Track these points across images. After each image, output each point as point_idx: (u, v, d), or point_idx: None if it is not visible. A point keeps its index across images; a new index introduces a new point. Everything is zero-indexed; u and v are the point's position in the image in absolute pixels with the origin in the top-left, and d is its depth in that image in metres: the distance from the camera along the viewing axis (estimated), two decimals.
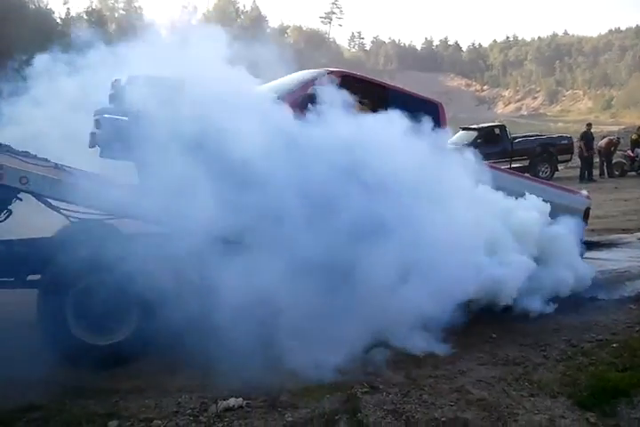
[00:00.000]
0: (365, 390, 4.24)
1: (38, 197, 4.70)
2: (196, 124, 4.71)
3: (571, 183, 10.21)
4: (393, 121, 5.16)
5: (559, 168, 19.84)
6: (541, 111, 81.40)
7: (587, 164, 19.34)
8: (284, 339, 4.39)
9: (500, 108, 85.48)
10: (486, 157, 5.83)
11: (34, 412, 3.94)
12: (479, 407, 4.05)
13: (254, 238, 4.69)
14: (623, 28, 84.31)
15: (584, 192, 7.40)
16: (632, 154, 19.89)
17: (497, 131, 18.60)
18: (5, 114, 5.65)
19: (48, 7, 32.21)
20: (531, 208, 5.90)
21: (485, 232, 5.42)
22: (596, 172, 20.06)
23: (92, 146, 5.09)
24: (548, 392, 4.27)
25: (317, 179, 4.75)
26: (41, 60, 5.83)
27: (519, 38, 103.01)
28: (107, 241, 4.68)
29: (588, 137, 19.68)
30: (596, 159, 20.23)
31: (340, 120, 5.05)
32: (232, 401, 4.06)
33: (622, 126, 28.78)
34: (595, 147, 19.89)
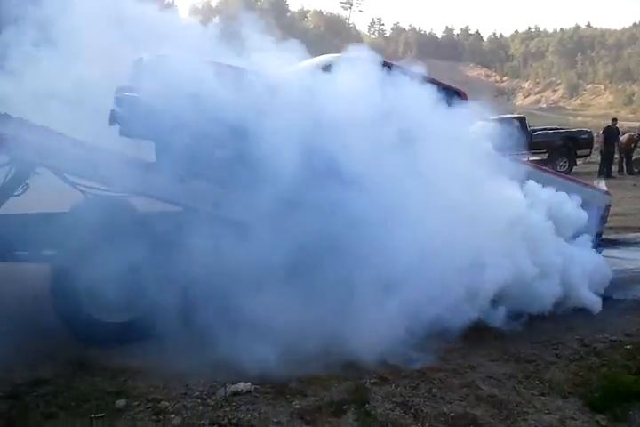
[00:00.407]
0: (374, 380, 4.22)
1: (57, 171, 4.68)
2: (216, 106, 4.66)
3: (589, 179, 10.03)
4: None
5: (577, 163, 19.63)
6: (561, 104, 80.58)
7: (606, 159, 19.12)
8: (295, 325, 4.35)
9: (519, 100, 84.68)
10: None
11: (42, 386, 3.95)
12: (489, 404, 4.02)
13: (264, 221, 4.66)
14: None
15: (604, 188, 7.29)
16: None
17: (516, 122, 18.40)
18: None
19: None
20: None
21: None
22: (614, 168, 19.83)
23: (111, 124, 5.04)
24: (558, 392, 4.23)
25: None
26: None
27: (541, 29, 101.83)
28: (121, 218, 4.69)
29: (612, 132, 19.40)
30: (616, 155, 19.97)
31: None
32: (240, 385, 4.05)
33: None
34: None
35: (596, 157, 20.58)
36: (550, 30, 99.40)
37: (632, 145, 19.79)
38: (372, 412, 3.83)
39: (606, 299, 6.19)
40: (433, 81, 5.77)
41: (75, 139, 5.04)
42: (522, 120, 18.54)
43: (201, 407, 3.83)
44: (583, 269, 5.83)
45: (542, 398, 4.15)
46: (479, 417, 3.85)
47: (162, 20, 5.48)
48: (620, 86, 78.47)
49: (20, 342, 4.25)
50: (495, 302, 5.15)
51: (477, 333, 5.01)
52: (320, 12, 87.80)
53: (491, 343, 5.01)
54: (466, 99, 6.38)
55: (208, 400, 3.91)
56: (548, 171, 6.85)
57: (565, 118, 56.41)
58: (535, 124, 23.29)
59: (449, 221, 4.84)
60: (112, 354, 4.39)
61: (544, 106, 78.97)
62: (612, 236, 9.30)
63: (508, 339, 5.10)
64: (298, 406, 3.87)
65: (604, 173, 18.97)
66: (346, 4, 67.67)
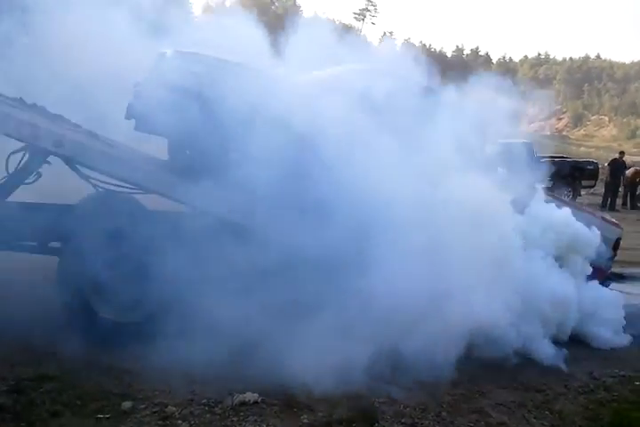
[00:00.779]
0: (384, 400, 4.16)
1: (69, 162, 4.60)
2: (236, 106, 4.62)
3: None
4: None
5: (581, 193, 19.64)
6: (565, 133, 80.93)
7: (611, 192, 19.13)
8: (307, 338, 4.29)
9: (523, 126, 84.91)
10: None
11: (48, 382, 3.88)
12: None
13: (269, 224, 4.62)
14: None
15: (614, 220, 7.25)
16: None
17: (523, 148, 18.37)
18: None
19: None
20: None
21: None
22: (619, 201, 19.84)
23: (128, 117, 4.99)
24: (569, 424, 4.18)
25: None
26: None
27: (551, 57, 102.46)
28: (128, 215, 4.62)
29: (618, 165, 19.44)
30: (620, 189, 20.00)
31: None
32: (248, 395, 3.98)
33: None
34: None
35: (600, 188, 20.61)
36: (560, 58, 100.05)
37: (637, 179, 19.82)
38: None
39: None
40: None
41: (89, 130, 5.01)
42: (529, 146, 18.52)
43: (208, 415, 3.77)
44: (593, 306, 5.79)
45: None
46: None
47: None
48: (624, 120, 78.91)
49: (24, 336, 4.19)
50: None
51: (486, 358, 4.95)
52: (333, 21, 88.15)
53: (499, 370, 4.94)
54: None
55: (215, 409, 3.85)
56: (564, 200, 6.83)
57: (569, 148, 56.59)
58: (539, 151, 23.29)
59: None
60: (116, 353, 4.32)
61: (548, 133, 79.27)
62: (618, 270, 9.25)
63: (517, 366, 5.02)
64: (306, 421, 3.81)
65: (608, 205, 18.99)
66: (359, 15, 68.06)
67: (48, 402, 3.68)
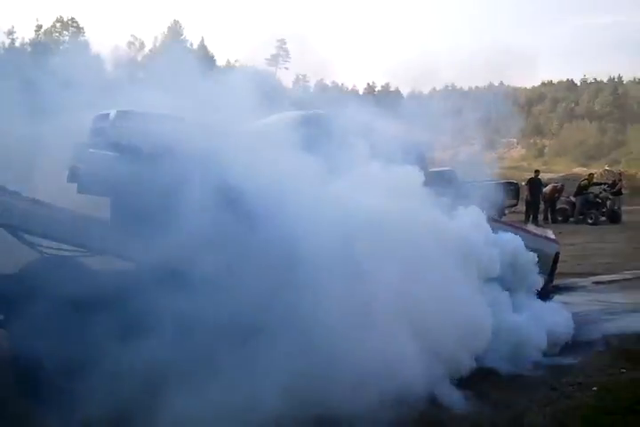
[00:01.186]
0: None
1: (14, 230, 4.49)
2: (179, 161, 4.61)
3: None
4: None
5: (505, 212, 20.34)
6: (477, 158, 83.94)
7: (532, 208, 19.97)
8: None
9: (438, 154, 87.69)
10: None
11: None
12: None
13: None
14: (555, 81, 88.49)
15: (552, 236, 7.56)
16: (573, 199, 20.70)
17: (447, 175, 18.98)
18: None
19: None
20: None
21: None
22: (540, 217, 20.70)
23: (71, 180, 4.92)
24: None
25: None
26: None
27: (457, 87, 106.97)
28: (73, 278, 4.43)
29: (535, 183, 20.37)
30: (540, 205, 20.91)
31: None
32: None
33: (561, 174, 30.04)
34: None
35: (521, 206, 21.45)
36: (466, 88, 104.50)
37: (555, 195, 20.81)
38: None
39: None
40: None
41: (31, 197, 4.89)
42: (453, 173, 19.15)
43: None
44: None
45: None
46: None
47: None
48: (531, 140, 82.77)
49: None
50: None
51: None
52: (246, 68, 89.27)
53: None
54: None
55: None
56: (500, 221, 7.08)
57: (484, 170, 58.63)
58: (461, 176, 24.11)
59: None
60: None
61: (461, 159, 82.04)
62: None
63: (476, 383, 5.05)
64: None
65: (531, 220, 19.76)
66: (271, 60, 69.59)
67: None
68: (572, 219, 20.73)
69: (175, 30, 59.27)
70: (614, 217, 20.66)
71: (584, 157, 66.54)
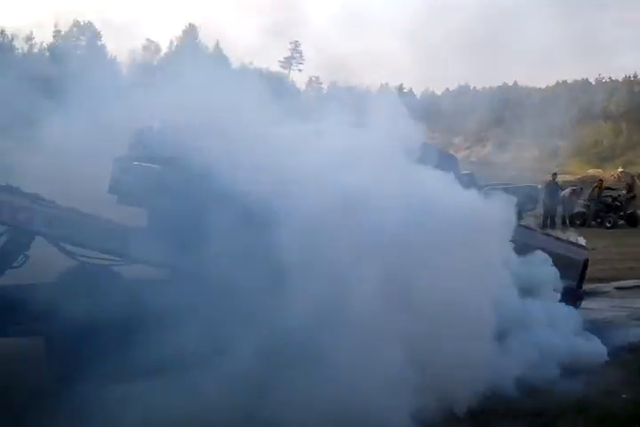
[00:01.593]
0: None
1: (55, 240, 4.64)
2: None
3: None
4: None
5: (523, 216, 20.35)
6: (490, 159, 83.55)
7: (550, 212, 19.97)
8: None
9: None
10: None
11: None
12: None
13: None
14: (570, 80, 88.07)
15: (582, 242, 7.63)
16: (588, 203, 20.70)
17: (466, 178, 18.98)
18: None
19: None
20: None
21: None
22: (558, 220, 20.69)
23: (113, 192, 5.06)
24: None
25: None
26: None
27: (471, 87, 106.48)
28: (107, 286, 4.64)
29: (553, 186, 20.37)
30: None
31: None
32: None
33: (577, 176, 29.90)
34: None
35: (539, 209, 21.46)
36: (479, 88, 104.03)
37: (574, 198, 20.80)
38: None
39: None
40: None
41: (68, 206, 5.03)
42: (472, 177, 19.18)
43: None
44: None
45: None
46: None
47: None
48: (545, 141, 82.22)
49: None
50: None
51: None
52: (260, 71, 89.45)
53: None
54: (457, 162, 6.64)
55: None
56: (532, 228, 7.16)
57: (496, 172, 58.39)
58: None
59: None
60: None
61: (475, 160, 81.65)
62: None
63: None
64: None
65: (548, 224, 19.77)
66: (285, 62, 69.55)
67: None
68: (593, 222, 20.69)
69: (190, 33, 59.72)
70: (632, 220, 20.62)
71: (598, 159, 66.10)
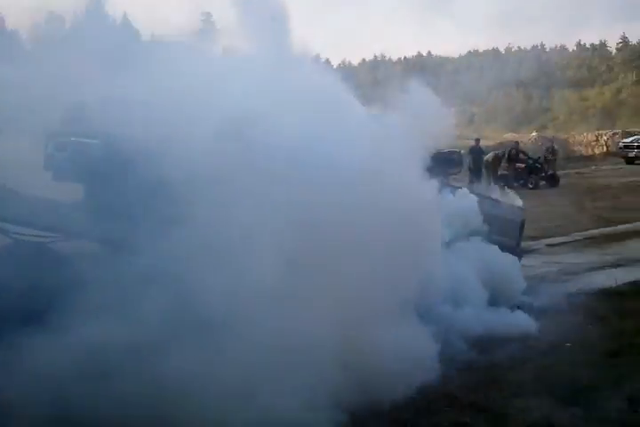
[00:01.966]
0: None
1: None
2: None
3: None
4: None
5: (449, 180, 20.84)
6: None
7: (475, 176, 20.51)
8: None
9: None
10: None
11: None
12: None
13: None
14: (481, 50, 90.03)
15: (519, 203, 7.86)
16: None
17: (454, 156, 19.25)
18: None
19: None
20: None
21: None
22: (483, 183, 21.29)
23: (49, 168, 4.87)
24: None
25: None
26: None
27: (387, 58, 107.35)
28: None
29: (477, 151, 20.92)
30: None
31: None
32: None
33: (497, 141, 30.84)
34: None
35: (463, 175, 22.00)
36: (395, 58, 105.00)
37: (497, 162, 21.43)
38: None
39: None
40: None
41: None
42: (459, 154, 19.39)
43: None
44: None
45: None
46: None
47: None
48: (461, 108, 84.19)
49: None
50: None
51: None
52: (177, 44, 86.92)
53: None
54: None
55: None
56: (467, 188, 7.31)
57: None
58: None
59: None
60: None
61: None
62: None
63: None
64: None
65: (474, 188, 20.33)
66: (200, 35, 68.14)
67: None
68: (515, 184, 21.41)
69: (95, 5, 57.23)
70: (553, 181, 21.44)
71: (513, 124, 68.26)
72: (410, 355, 4.27)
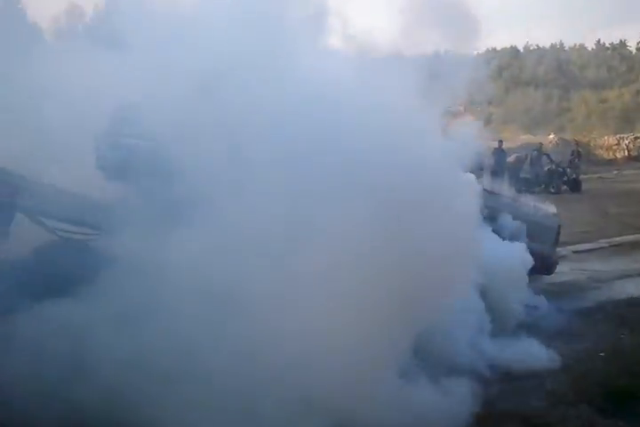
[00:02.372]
0: None
1: (34, 214, 4.60)
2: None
3: None
4: None
5: None
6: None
7: (497, 178, 20.48)
8: None
9: None
10: None
11: None
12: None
13: None
14: (499, 48, 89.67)
15: (553, 210, 7.91)
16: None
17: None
18: None
19: None
20: None
21: None
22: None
23: (101, 168, 4.94)
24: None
25: None
26: None
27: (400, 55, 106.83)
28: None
29: (500, 153, 20.91)
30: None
31: None
32: None
33: (518, 143, 30.74)
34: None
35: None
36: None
37: (520, 165, 21.38)
38: None
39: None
40: None
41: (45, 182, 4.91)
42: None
43: None
44: None
45: None
46: None
47: None
48: (478, 108, 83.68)
49: None
50: None
51: None
52: None
53: None
54: None
55: None
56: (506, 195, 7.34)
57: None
58: None
59: None
60: None
61: None
62: None
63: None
64: None
65: None
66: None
67: None
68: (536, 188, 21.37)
69: None
70: (575, 186, 21.36)
71: (531, 125, 67.79)
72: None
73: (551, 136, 36.57)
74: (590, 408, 4.50)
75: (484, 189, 6.76)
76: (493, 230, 6.20)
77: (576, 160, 22.48)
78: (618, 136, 31.88)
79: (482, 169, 8.24)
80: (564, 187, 21.38)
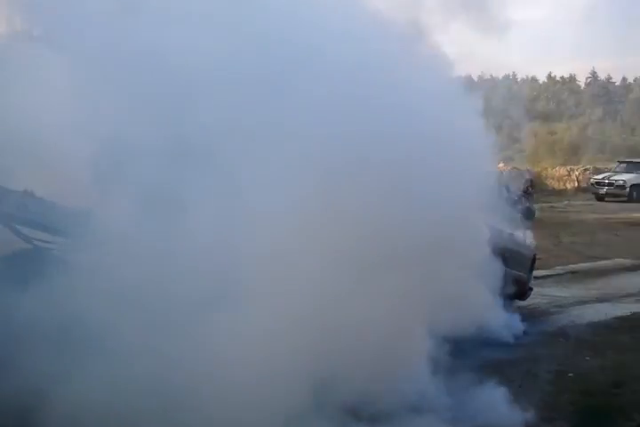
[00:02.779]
0: None
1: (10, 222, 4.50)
2: None
3: None
4: None
5: None
6: None
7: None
8: None
9: None
10: None
11: None
12: None
13: None
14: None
15: (529, 238, 8.23)
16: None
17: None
18: None
19: None
20: None
21: None
22: None
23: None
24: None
25: None
26: None
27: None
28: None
29: None
30: None
31: None
32: None
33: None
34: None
35: None
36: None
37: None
38: None
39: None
40: None
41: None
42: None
43: None
44: None
45: None
46: None
47: None
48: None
49: None
50: None
51: None
52: None
53: None
54: None
55: None
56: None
57: None
58: None
59: None
60: None
61: None
62: None
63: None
64: None
65: None
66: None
67: None
68: None
69: None
70: (529, 214, 21.87)
71: None
72: None
73: (500, 165, 37.41)
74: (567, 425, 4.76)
75: None
76: None
77: (530, 189, 23.07)
78: (568, 167, 32.91)
79: None
80: (518, 215, 21.86)
